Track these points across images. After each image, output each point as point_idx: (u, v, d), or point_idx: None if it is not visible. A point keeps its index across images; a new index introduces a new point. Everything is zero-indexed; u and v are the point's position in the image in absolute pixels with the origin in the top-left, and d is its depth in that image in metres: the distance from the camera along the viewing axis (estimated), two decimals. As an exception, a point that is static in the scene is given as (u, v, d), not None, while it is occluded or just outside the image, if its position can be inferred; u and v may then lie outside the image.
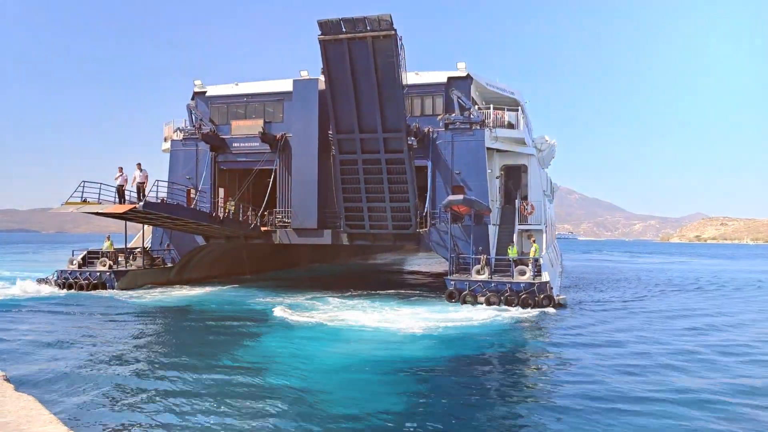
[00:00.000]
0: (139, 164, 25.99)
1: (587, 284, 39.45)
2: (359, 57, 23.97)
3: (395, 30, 23.28)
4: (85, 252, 32.27)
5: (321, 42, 24.00)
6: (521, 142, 32.25)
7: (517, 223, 30.02)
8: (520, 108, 32.87)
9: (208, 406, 10.71)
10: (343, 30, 23.41)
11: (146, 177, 25.80)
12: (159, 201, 26.15)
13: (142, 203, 24.32)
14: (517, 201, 31.04)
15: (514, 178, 33.59)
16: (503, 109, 31.62)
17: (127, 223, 30.30)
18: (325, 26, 23.59)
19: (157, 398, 11.17)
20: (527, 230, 30.45)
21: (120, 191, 25.33)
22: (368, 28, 23.25)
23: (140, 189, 25.39)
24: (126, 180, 25.57)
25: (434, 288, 31.78)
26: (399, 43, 23.81)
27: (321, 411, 10.59)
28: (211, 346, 16.35)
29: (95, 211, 24.67)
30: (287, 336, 17.80)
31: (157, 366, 13.82)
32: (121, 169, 25.75)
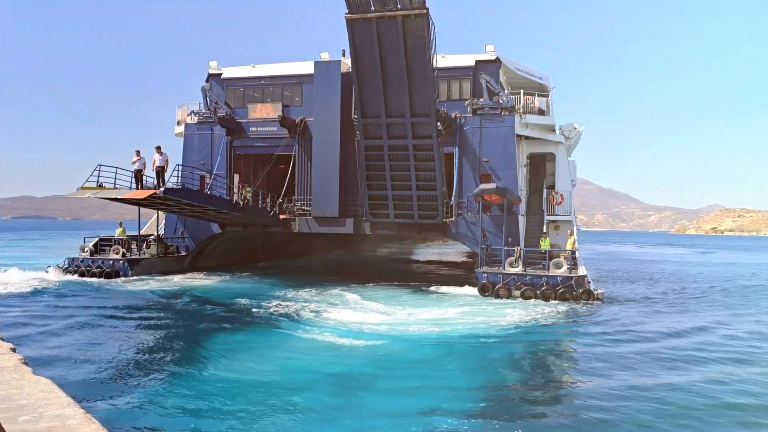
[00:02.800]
0: (158, 147, 24.68)
1: (614, 278, 38.11)
2: (388, 37, 22.73)
3: (427, 8, 21.99)
4: (96, 239, 31.34)
5: (348, 21, 22.76)
6: (551, 129, 30.91)
7: (546, 213, 28.88)
8: (549, 94, 31.49)
9: (209, 395, 10.72)
10: (372, 8, 22.17)
11: (167, 161, 24.61)
12: (180, 187, 24.96)
13: (162, 189, 23.19)
14: (545, 190, 29.84)
15: (538, 166, 32.28)
16: (534, 95, 30.23)
17: (141, 209, 29.35)
18: (353, 4, 22.33)
19: (170, 383, 11.36)
20: (554, 221, 29.27)
21: (138, 176, 24.16)
22: (399, 6, 22.00)
23: (159, 173, 24.21)
24: (144, 165, 24.40)
25: (461, 281, 30.51)
26: (430, 22, 22.52)
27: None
28: (217, 339, 15.64)
29: (113, 196, 23.54)
30: (296, 337, 16.05)
31: (168, 352, 13.87)
32: (138, 152, 24.49)
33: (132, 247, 30.62)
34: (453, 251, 64.03)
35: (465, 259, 52.60)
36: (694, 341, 16.47)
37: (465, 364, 13.52)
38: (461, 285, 27.00)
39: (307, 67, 31.64)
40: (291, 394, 10.76)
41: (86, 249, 30.27)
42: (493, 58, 29.43)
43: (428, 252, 63.49)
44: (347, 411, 10.06)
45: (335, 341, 15.27)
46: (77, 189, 23.04)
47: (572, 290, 22.41)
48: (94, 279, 27.72)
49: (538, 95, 30.64)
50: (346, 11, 22.65)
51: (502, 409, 10.41)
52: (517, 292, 22.96)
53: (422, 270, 41.17)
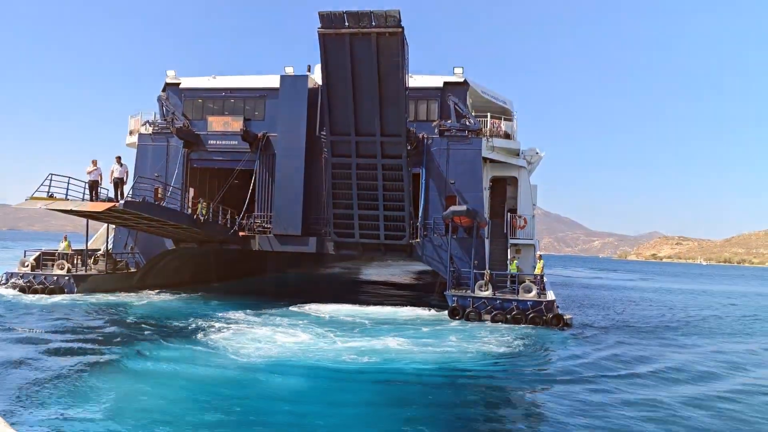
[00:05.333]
0: (118, 157, 23.30)
1: (575, 303, 38.49)
2: (361, 54, 22.32)
3: (402, 27, 21.72)
4: (38, 252, 29.39)
5: (320, 35, 22.22)
6: (515, 153, 31.10)
7: (509, 237, 28.92)
8: (514, 118, 31.75)
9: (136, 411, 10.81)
10: (346, 24, 21.73)
11: (126, 173, 23.29)
12: (140, 200, 23.46)
13: (122, 202, 21.83)
14: (506, 214, 29.95)
15: (497, 189, 32.38)
16: (500, 118, 30.38)
17: (89, 222, 27.64)
18: (327, 19, 21.84)
19: (101, 400, 11.28)
20: (517, 245, 29.30)
21: (93, 187, 22.66)
22: (373, 23, 21.63)
23: (118, 185, 22.79)
24: (101, 176, 22.93)
25: (422, 303, 30.01)
26: (405, 42, 22.26)
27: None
28: (143, 359, 15.14)
29: (67, 208, 21.89)
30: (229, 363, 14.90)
31: (93, 370, 13.58)
32: (95, 162, 23.03)
33: (78, 262, 28.86)
34: (404, 271, 63.54)
35: (416, 280, 52.39)
36: (671, 366, 16.54)
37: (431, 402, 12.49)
38: (423, 306, 26.49)
39: (270, 81, 30.83)
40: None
41: (27, 263, 28.28)
42: (461, 80, 29.42)
43: (378, 273, 62.46)
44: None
45: (264, 367, 14.28)
46: (26, 199, 21.36)
47: (542, 315, 22.28)
48: (36, 296, 25.89)
49: (505, 119, 30.85)
50: (319, 26, 22.15)
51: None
52: (487, 316, 22.66)
53: (378, 290, 40.52)
